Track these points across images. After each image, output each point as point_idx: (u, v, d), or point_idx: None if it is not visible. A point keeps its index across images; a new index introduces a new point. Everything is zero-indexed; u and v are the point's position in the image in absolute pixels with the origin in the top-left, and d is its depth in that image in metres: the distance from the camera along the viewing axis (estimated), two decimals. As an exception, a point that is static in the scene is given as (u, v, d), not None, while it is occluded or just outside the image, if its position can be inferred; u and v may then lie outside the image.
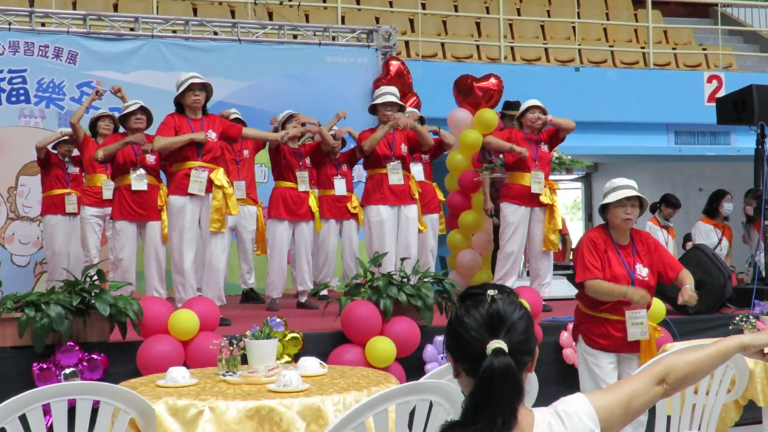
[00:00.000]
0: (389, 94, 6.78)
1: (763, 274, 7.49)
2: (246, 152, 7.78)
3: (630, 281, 4.37)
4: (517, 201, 6.79)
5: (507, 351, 1.83)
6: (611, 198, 4.38)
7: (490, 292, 1.90)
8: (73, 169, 7.61)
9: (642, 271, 4.43)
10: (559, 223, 6.86)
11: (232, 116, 7.49)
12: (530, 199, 6.77)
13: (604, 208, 4.45)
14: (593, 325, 4.45)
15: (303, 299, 7.25)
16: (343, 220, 7.93)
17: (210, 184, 6.06)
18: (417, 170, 7.59)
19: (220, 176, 6.11)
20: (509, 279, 6.90)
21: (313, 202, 7.21)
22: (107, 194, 7.07)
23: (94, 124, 7.44)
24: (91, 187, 7.32)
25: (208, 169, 6.08)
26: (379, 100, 6.76)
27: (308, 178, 7.20)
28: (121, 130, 6.87)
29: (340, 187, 7.67)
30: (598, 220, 4.67)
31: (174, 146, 6.01)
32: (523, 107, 6.93)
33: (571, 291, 7.67)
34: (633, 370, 4.20)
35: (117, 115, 7.01)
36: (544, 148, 6.85)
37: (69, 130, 7.52)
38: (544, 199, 6.75)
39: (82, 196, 7.35)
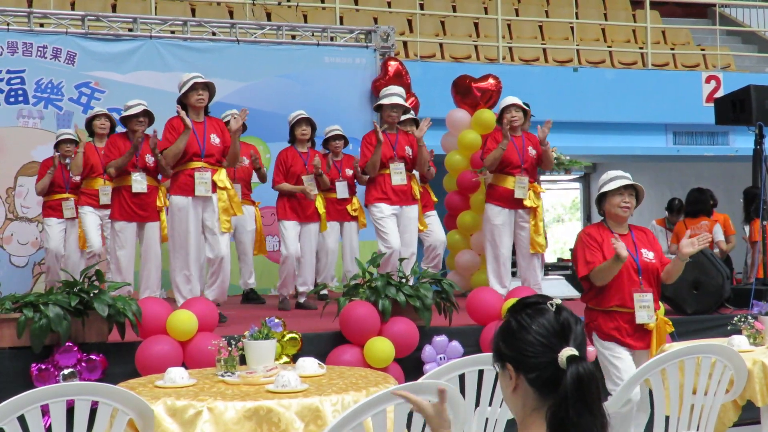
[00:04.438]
0: (396, 95, 6.74)
1: (752, 275, 7.47)
2: (245, 160, 7.78)
3: (635, 265, 4.44)
4: (500, 203, 6.76)
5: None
6: (610, 186, 4.45)
7: (554, 301, 1.91)
8: (75, 178, 7.57)
9: (648, 254, 4.51)
10: (542, 225, 6.83)
11: (228, 117, 7.48)
12: (514, 202, 6.72)
13: (601, 199, 4.51)
14: (605, 319, 4.52)
15: (302, 299, 7.26)
16: (343, 222, 7.93)
17: (213, 185, 6.09)
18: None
19: (222, 177, 6.15)
20: (504, 280, 6.86)
21: (320, 204, 7.25)
22: (104, 199, 7.09)
23: (90, 124, 7.45)
24: (89, 189, 7.30)
25: (211, 170, 6.10)
26: (385, 101, 6.72)
27: (315, 181, 7.22)
28: (122, 129, 6.84)
29: (341, 189, 7.67)
30: (597, 220, 4.68)
31: (180, 150, 6.00)
32: (501, 105, 6.82)
33: (569, 291, 7.67)
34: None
35: (118, 116, 7.00)
36: (531, 151, 6.75)
37: (70, 130, 7.53)
38: (528, 202, 6.70)
39: (80, 197, 7.33)
